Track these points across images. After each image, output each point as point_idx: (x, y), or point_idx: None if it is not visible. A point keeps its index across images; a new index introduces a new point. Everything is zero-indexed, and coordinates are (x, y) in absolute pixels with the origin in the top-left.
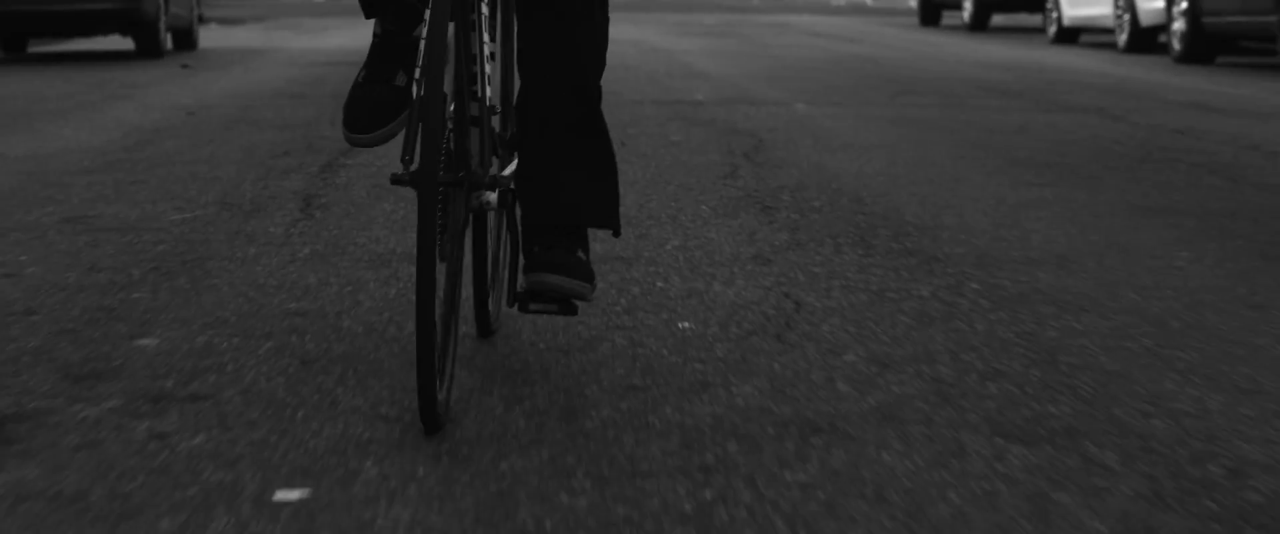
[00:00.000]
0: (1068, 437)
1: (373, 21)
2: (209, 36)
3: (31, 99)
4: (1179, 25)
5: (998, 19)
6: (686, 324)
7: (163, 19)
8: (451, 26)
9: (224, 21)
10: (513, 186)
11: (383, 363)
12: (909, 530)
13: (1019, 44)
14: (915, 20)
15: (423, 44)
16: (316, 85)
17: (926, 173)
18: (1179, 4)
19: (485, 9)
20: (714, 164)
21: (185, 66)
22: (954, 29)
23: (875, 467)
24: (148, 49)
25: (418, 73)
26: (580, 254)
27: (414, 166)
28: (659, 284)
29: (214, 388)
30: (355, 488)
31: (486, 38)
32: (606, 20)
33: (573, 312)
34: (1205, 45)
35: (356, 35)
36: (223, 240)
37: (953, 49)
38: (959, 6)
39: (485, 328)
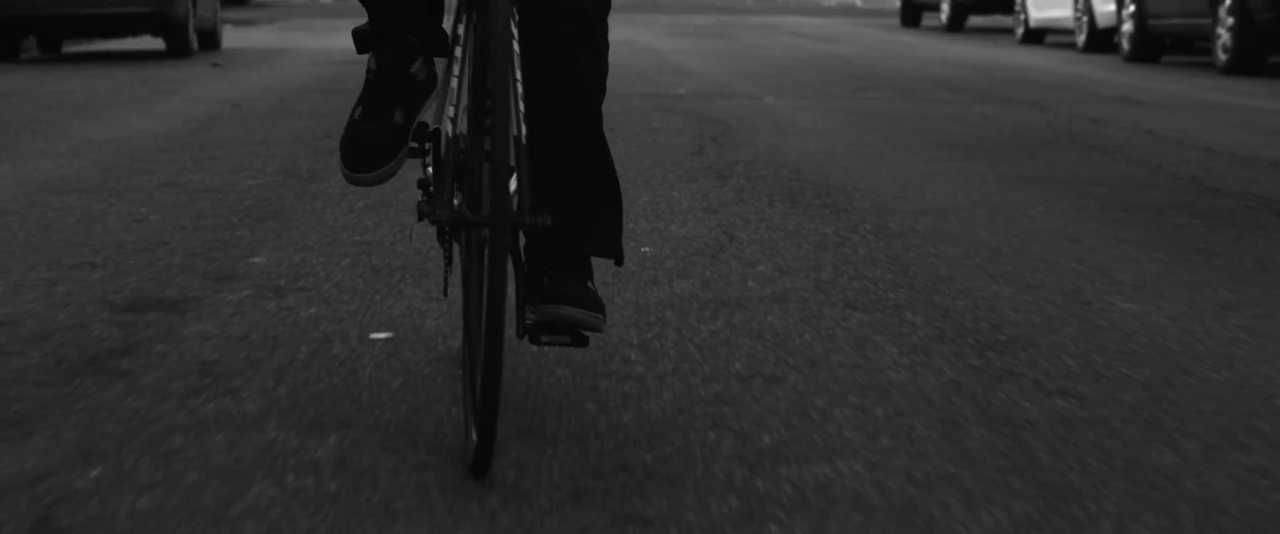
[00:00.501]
0: (895, 309)
1: (367, 56)
2: (228, 37)
3: (88, 94)
4: (1128, 27)
5: (978, 20)
6: (647, 248)
7: (191, 21)
8: (457, 62)
9: (238, 23)
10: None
11: (432, 271)
12: (776, 354)
13: (988, 44)
14: (898, 22)
15: (452, 82)
16: (339, 81)
17: (860, 151)
18: (1128, 7)
19: (517, 45)
20: (685, 144)
21: (216, 65)
22: (932, 30)
23: (761, 324)
24: (178, 49)
25: (450, 111)
26: (589, 284)
27: (485, 210)
28: (630, 225)
29: (314, 284)
30: (423, 331)
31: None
32: (607, 46)
33: (584, 343)
34: (1151, 45)
35: None
36: (293, 198)
37: (924, 49)
38: (938, 8)
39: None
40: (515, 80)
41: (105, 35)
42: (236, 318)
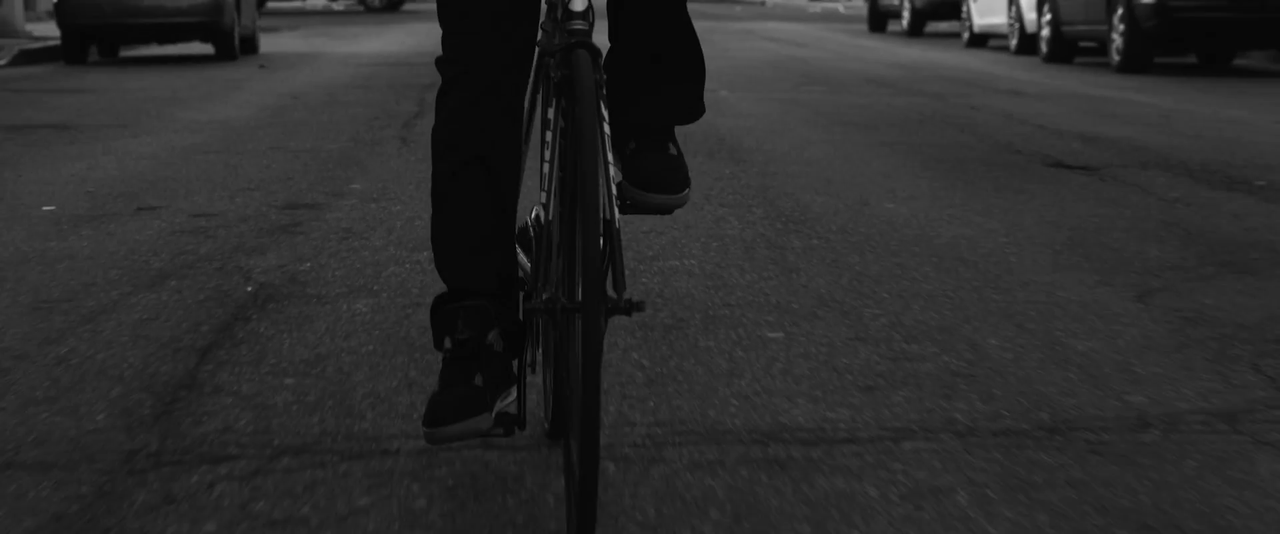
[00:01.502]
0: (747, 207)
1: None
2: (264, 43)
3: (170, 90)
4: (1046, 32)
5: (939, 25)
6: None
7: (237, 28)
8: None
9: (266, 30)
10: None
11: None
12: (669, 224)
13: (936, 47)
14: (867, 27)
15: (543, 167)
16: (373, 80)
17: (774, 128)
18: (1046, 15)
19: (606, 111)
20: None
21: (262, 67)
22: (895, 35)
23: (669, 218)
24: (225, 53)
25: (543, 196)
26: (672, 149)
27: (579, 296)
28: None
29: (413, 196)
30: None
31: (612, 159)
32: None
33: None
34: (1065, 48)
35: (386, 41)
36: (366, 155)
37: (877, 52)
38: (901, 15)
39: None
40: (605, 163)
41: (161, 41)
42: (354, 211)
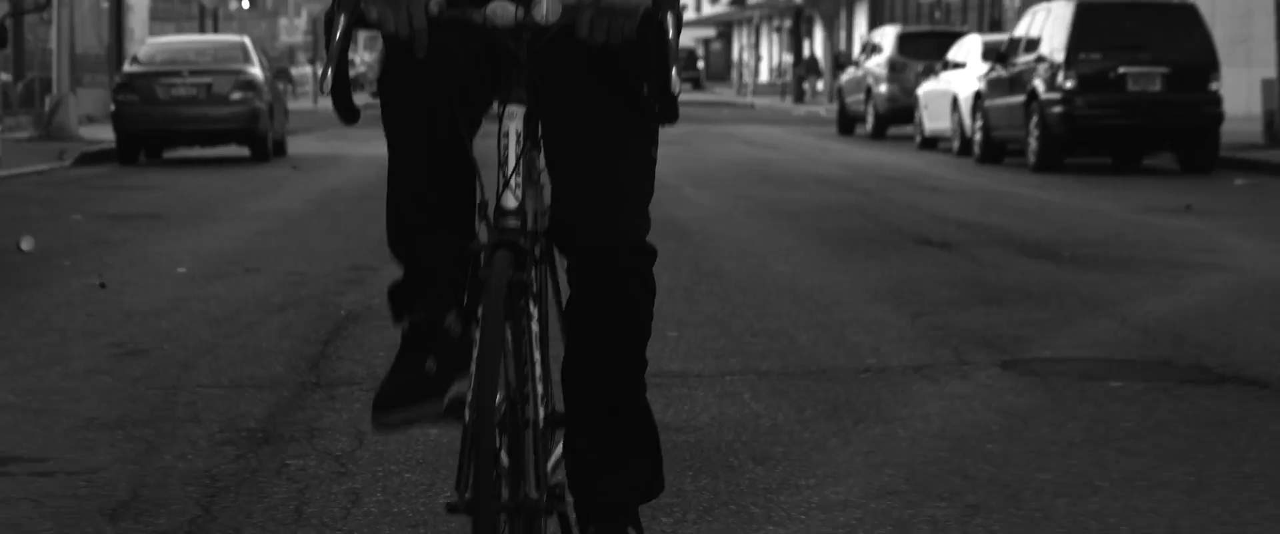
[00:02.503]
0: (674, 268)
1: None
2: (290, 145)
3: (223, 187)
4: (978, 136)
5: (905, 128)
6: None
7: (270, 133)
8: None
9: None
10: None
11: None
12: None
13: (890, 150)
14: (836, 130)
15: (474, 364)
16: None
17: (720, 216)
18: (979, 122)
19: (535, 308)
20: None
21: (295, 168)
22: (860, 138)
23: None
24: (260, 155)
25: (470, 395)
26: (630, 532)
27: (468, 495)
28: None
29: None
30: None
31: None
32: (652, 291)
33: None
34: (995, 150)
35: None
36: None
37: (836, 154)
38: (866, 120)
39: None
40: (538, 347)
41: (204, 145)
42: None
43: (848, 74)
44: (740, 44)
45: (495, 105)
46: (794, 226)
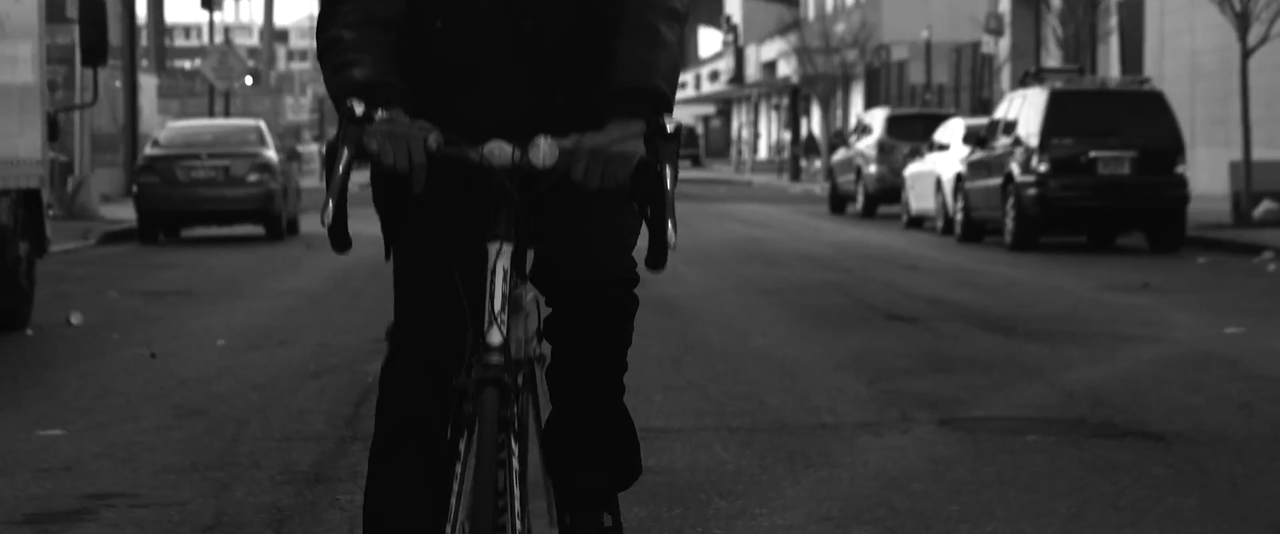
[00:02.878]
0: (663, 339)
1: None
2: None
3: (246, 265)
4: (959, 216)
5: (894, 207)
6: None
7: (284, 212)
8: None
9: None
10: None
11: None
12: None
13: (878, 229)
14: (828, 209)
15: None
16: None
17: (709, 293)
18: (960, 202)
19: (516, 445)
20: None
21: (309, 247)
22: (851, 216)
23: None
24: (274, 234)
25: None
26: (606, 519)
27: None
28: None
29: None
30: None
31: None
32: (635, 305)
33: None
34: (975, 230)
35: None
36: None
37: (826, 233)
38: (856, 199)
39: None
40: (518, 492)
41: (221, 225)
42: None
43: (839, 154)
44: (739, 121)
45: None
46: (776, 303)
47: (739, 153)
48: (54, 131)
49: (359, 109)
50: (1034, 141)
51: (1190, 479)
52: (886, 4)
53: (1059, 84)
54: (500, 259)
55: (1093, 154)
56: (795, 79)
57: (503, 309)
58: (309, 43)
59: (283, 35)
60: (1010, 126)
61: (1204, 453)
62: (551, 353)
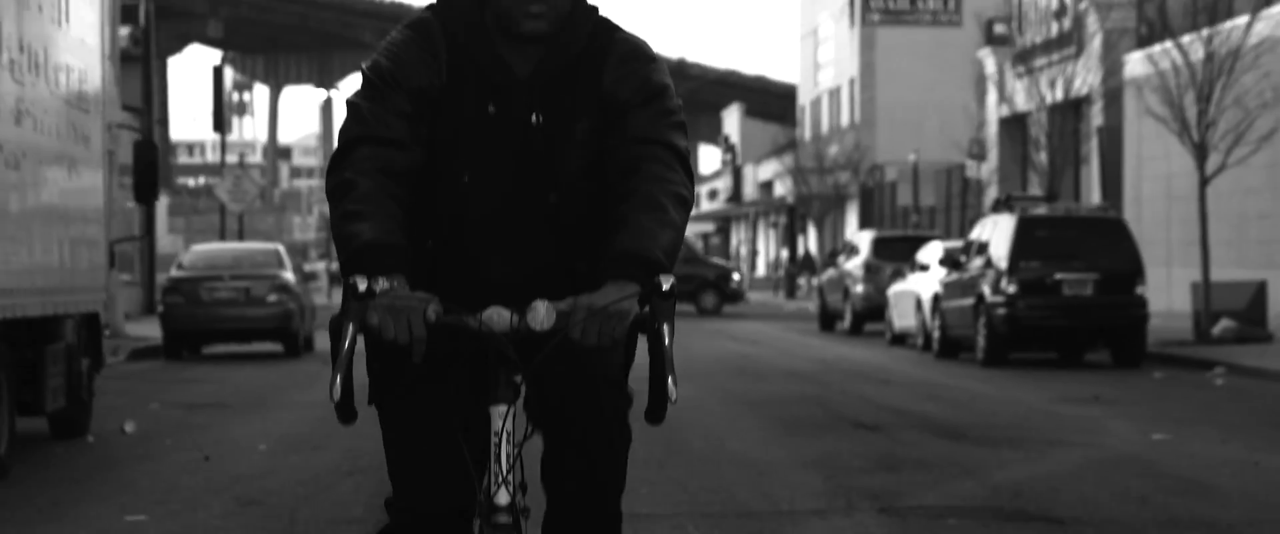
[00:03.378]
0: (648, 443)
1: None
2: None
3: (269, 380)
4: (937, 334)
5: (881, 324)
6: None
7: (301, 330)
8: None
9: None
10: None
11: None
12: None
13: (862, 346)
14: (818, 327)
15: None
16: None
17: (696, 405)
18: (937, 321)
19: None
20: None
21: (325, 363)
22: (840, 334)
23: None
24: (292, 351)
25: None
26: None
27: None
28: None
29: None
30: None
31: None
32: (627, 440)
33: None
34: (951, 347)
35: None
36: None
37: (812, 350)
38: (844, 317)
39: None
40: None
41: (241, 342)
42: None
43: (828, 273)
44: (738, 238)
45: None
46: (756, 414)
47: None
48: (112, 260)
49: (361, 286)
50: (1004, 264)
51: None
52: (880, 126)
53: (1028, 210)
54: (504, 421)
55: (1058, 276)
56: (790, 199)
57: (509, 471)
58: (314, 161)
59: (286, 153)
60: (983, 249)
61: (1091, 532)
62: (547, 504)
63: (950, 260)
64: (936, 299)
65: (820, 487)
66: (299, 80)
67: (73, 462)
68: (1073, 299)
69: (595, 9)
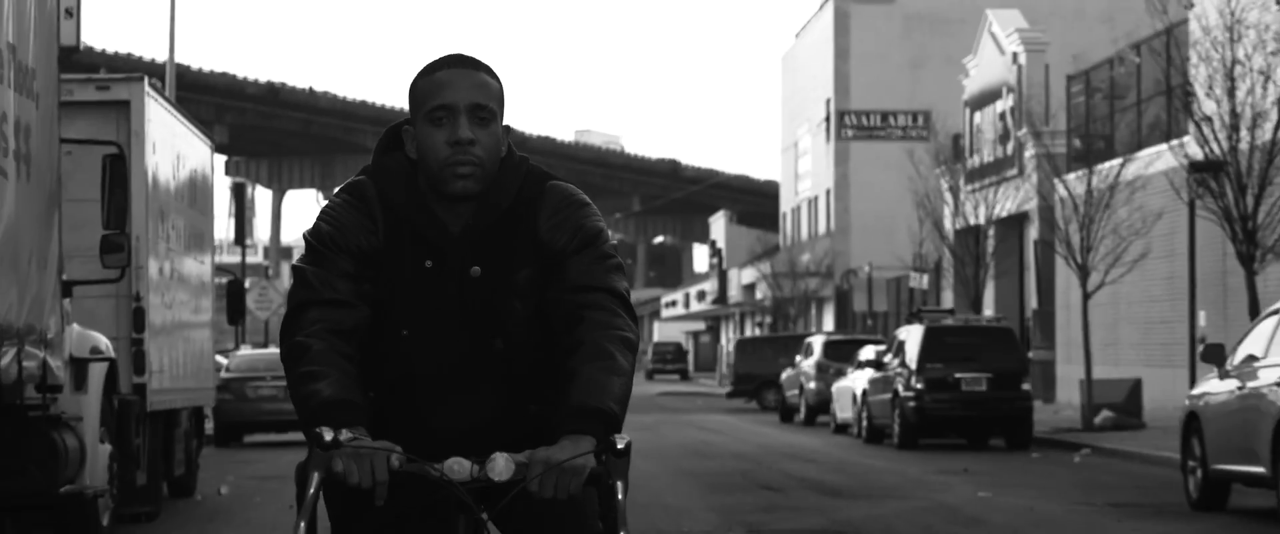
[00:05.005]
0: None
1: None
2: None
3: None
4: (864, 423)
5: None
6: None
7: None
8: None
9: None
10: None
11: None
12: None
13: (811, 435)
14: (779, 419)
15: None
16: None
17: (648, 478)
18: (866, 413)
19: None
20: None
21: None
22: (796, 425)
23: None
24: None
25: None
26: None
27: None
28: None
29: None
30: None
31: None
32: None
33: None
34: (876, 434)
35: None
36: None
37: (763, 438)
38: (799, 410)
39: None
40: None
41: (279, 432)
42: None
43: (787, 372)
44: (727, 336)
45: None
46: (694, 481)
47: (721, 367)
48: (216, 365)
49: (328, 435)
50: (914, 365)
51: None
52: (854, 233)
53: (934, 321)
54: None
55: (957, 375)
56: (768, 302)
57: None
58: None
59: (287, 253)
60: (900, 350)
61: None
62: None
63: (875, 362)
64: (865, 394)
65: (716, 520)
66: (302, 184)
67: (193, 512)
68: (970, 394)
69: (525, 159)
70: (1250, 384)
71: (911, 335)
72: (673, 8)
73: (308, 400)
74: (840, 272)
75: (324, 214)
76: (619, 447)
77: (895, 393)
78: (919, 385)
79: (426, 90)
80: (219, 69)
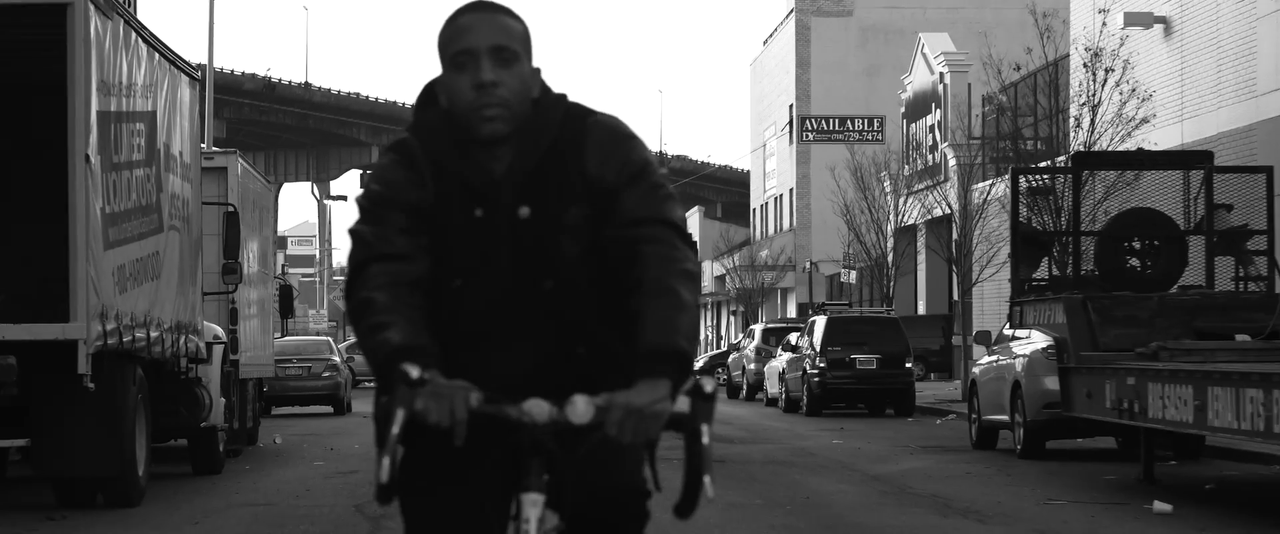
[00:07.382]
0: None
1: None
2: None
3: (330, 428)
4: (783, 396)
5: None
6: None
7: (346, 397)
8: None
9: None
10: None
11: None
12: None
13: (747, 407)
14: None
15: None
16: None
17: None
18: (781, 386)
19: None
20: None
21: (365, 418)
22: (738, 400)
23: None
24: (339, 411)
25: None
26: None
27: None
28: None
29: None
30: None
31: None
32: (644, 526)
33: None
34: (792, 404)
35: None
36: None
37: (765, 429)
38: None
39: None
40: None
41: (303, 405)
42: None
43: (732, 355)
44: (705, 324)
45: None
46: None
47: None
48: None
49: (413, 373)
50: (817, 347)
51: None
52: (815, 229)
53: (835, 313)
54: (532, 508)
55: (852, 356)
56: (733, 294)
57: None
58: (309, 250)
59: (282, 242)
60: (809, 335)
61: (756, 468)
62: None
63: (793, 346)
64: (783, 372)
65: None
66: (298, 177)
67: (261, 454)
68: (862, 371)
69: (563, 97)
70: (1002, 359)
71: (818, 324)
72: (672, 7)
73: (379, 350)
74: (800, 265)
75: (373, 175)
76: (707, 390)
77: (803, 371)
78: (822, 364)
79: (449, 36)
80: (217, 66)
